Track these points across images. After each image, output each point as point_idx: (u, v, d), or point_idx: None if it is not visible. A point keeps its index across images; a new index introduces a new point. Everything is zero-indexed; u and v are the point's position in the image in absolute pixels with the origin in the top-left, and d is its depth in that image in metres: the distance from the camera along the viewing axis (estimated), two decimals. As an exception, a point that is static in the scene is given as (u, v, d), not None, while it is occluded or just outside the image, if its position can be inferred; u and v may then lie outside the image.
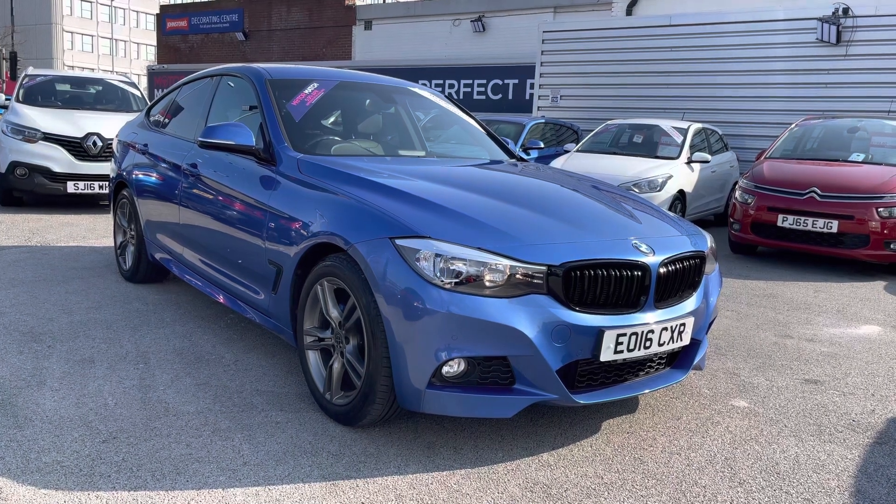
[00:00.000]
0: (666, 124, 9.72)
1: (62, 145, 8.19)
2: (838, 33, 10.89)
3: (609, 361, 2.67)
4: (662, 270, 2.80)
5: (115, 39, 72.16)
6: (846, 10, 10.79)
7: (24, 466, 2.48)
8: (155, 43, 31.04)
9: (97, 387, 3.21)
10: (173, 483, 2.42)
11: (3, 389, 3.13)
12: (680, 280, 2.91)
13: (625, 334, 2.66)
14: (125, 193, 5.10)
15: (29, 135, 8.17)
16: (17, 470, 2.46)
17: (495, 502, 2.41)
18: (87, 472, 2.47)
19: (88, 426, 2.81)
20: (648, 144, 9.49)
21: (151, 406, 3.03)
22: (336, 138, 4.01)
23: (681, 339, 2.89)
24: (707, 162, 9.12)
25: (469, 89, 18.84)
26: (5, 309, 4.33)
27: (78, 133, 8.25)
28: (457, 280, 2.53)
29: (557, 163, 8.99)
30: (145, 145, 4.87)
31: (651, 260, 2.76)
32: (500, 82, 18.30)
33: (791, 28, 11.38)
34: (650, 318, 2.75)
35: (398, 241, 2.63)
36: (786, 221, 7.14)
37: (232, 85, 4.32)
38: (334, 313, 2.91)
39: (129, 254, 5.13)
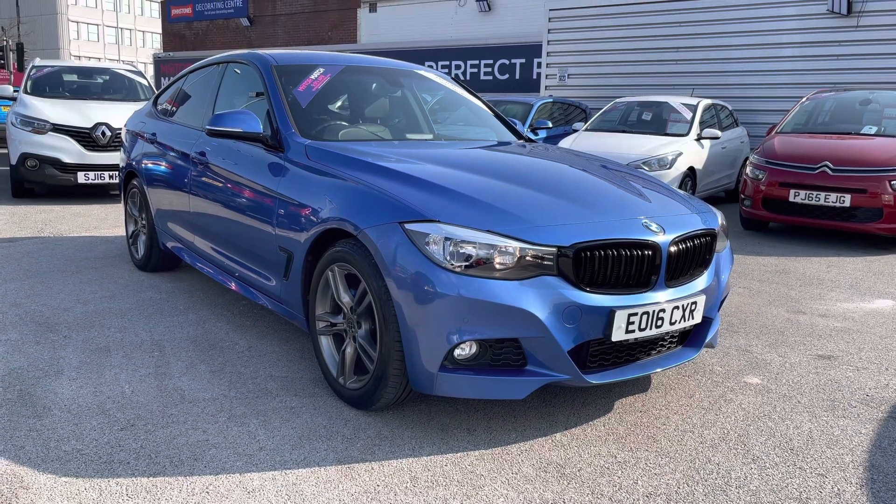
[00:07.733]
0: (675, 101, 9.64)
1: (71, 136, 8.22)
2: (849, 4, 10.72)
3: (621, 341, 2.68)
4: (673, 249, 2.79)
5: (121, 28, 72.11)
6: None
7: (44, 455, 2.52)
8: (160, 30, 31.00)
9: (114, 375, 3.25)
10: (191, 469, 2.46)
11: (22, 379, 3.17)
12: (691, 258, 2.91)
13: (636, 314, 2.66)
14: (135, 183, 5.13)
15: (38, 126, 8.19)
16: (38, 458, 2.50)
17: (509, 482, 2.43)
18: (107, 459, 2.50)
19: (106, 414, 2.84)
20: (657, 122, 9.42)
21: (167, 393, 3.07)
22: (343, 123, 4.00)
23: (692, 318, 2.89)
24: (717, 138, 9.05)
25: (476, 70, 18.71)
26: (21, 300, 4.37)
27: (87, 123, 8.27)
28: (467, 263, 2.53)
29: (566, 142, 8.95)
30: (153, 134, 4.88)
31: (661, 239, 2.75)
32: (506, 62, 18.15)
33: (801, -1, 11.22)
34: (661, 297, 2.74)
35: (407, 226, 2.63)
36: (798, 196, 7.09)
37: (238, 72, 4.31)
38: (346, 298, 2.93)
39: (141, 243, 5.17)
